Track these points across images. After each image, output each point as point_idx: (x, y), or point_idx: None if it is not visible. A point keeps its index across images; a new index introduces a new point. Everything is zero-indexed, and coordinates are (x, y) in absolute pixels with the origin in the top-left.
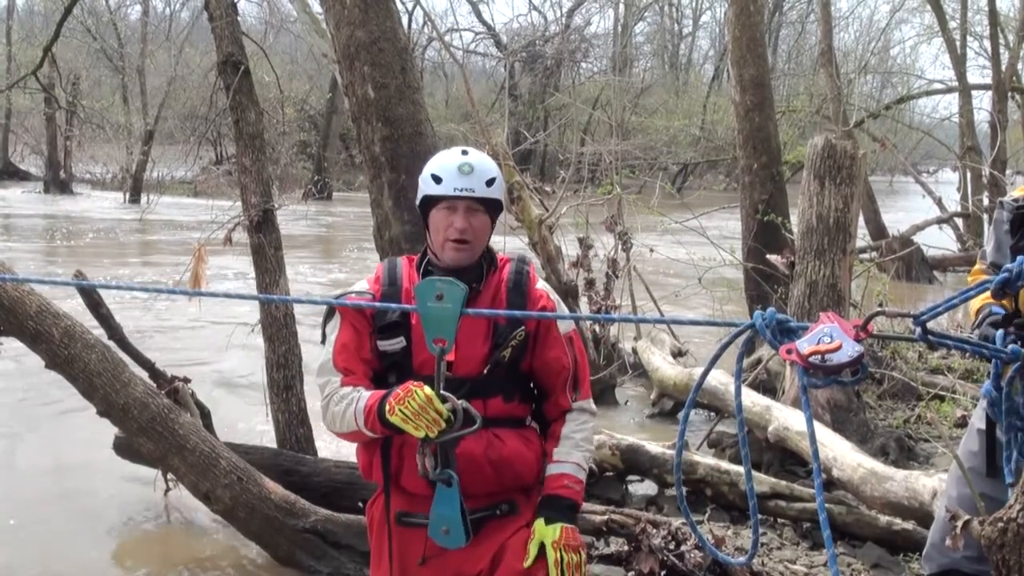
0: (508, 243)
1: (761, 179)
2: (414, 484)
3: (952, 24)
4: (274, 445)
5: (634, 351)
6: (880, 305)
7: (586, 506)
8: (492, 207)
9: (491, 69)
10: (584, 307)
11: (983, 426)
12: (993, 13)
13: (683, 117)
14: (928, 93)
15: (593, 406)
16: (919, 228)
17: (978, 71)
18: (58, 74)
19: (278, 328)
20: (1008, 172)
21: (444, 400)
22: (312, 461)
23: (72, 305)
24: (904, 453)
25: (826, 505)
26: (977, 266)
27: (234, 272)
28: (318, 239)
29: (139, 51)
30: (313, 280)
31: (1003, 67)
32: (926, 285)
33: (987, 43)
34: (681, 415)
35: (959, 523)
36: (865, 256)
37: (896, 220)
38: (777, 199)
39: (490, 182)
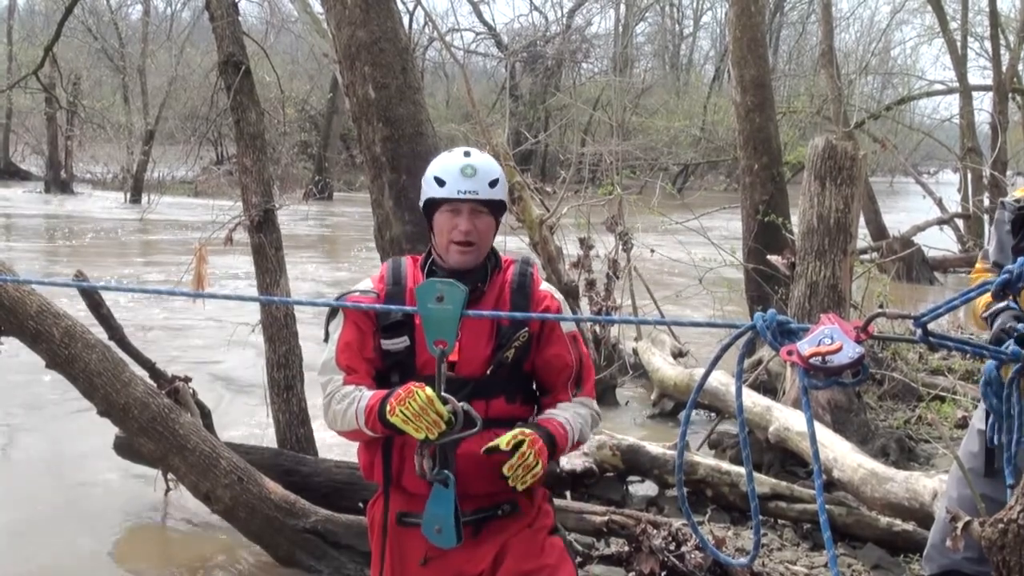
0: (509, 243)
1: (762, 180)
2: (415, 484)
3: (953, 25)
4: (274, 445)
5: (635, 352)
6: (881, 306)
7: (586, 507)
8: (496, 208)
9: (492, 69)
10: (585, 308)
11: (983, 427)
12: (994, 14)
13: (684, 118)
14: (929, 94)
15: (595, 405)
16: (920, 229)
17: (979, 72)
18: (59, 74)
19: (279, 328)
20: (1009, 173)
21: (445, 402)
22: (312, 461)
23: (72, 305)
24: (904, 454)
25: (827, 506)
26: (979, 265)
27: (244, 272)
28: (324, 239)
29: (140, 51)
30: (320, 279)
31: (1004, 68)
32: (927, 286)
33: (988, 44)
34: (682, 416)
35: (959, 524)
36: (866, 257)
37: (897, 221)
38: (778, 200)
39: (493, 183)
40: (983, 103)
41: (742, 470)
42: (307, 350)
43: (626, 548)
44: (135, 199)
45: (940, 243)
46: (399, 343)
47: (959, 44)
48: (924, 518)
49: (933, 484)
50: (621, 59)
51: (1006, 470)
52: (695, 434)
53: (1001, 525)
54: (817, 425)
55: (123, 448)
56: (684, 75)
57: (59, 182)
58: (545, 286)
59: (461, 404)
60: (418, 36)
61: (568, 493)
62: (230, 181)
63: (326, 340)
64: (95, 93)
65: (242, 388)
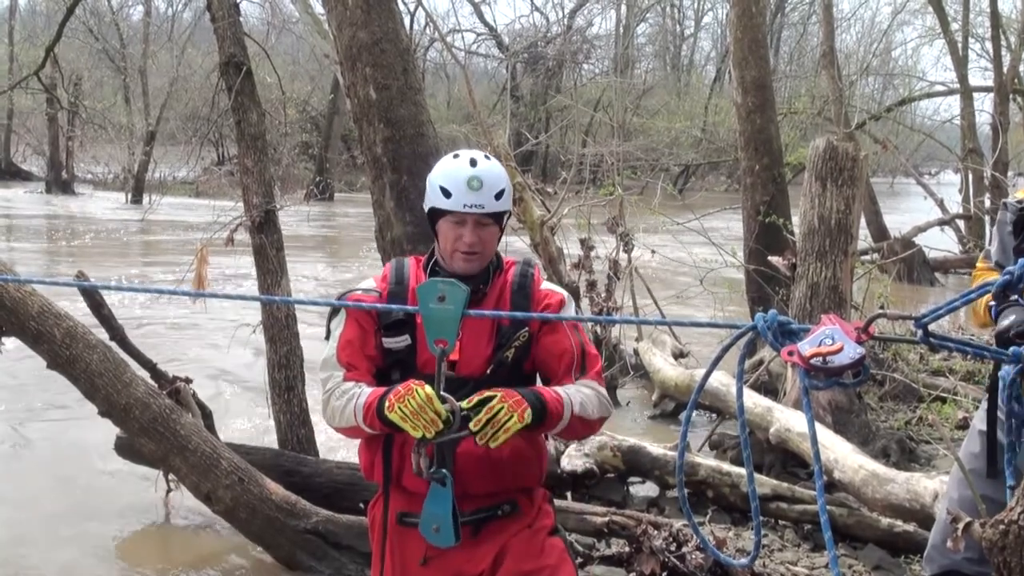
0: (509, 244)
1: (763, 181)
2: (416, 484)
3: (954, 26)
4: (275, 446)
5: (635, 352)
6: (881, 307)
7: (587, 507)
8: (501, 217)
9: (493, 70)
10: (586, 308)
11: (984, 428)
12: (995, 15)
13: (685, 118)
14: (930, 95)
15: (602, 389)
16: (921, 230)
17: (980, 73)
18: (60, 74)
19: (280, 329)
20: (1010, 174)
21: (443, 401)
22: (313, 462)
23: (73, 306)
24: (905, 455)
25: (828, 507)
26: (981, 264)
27: (245, 272)
28: (329, 240)
29: (141, 51)
30: (325, 280)
31: (1005, 69)
32: (927, 287)
33: (989, 45)
34: (683, 416)
35: (960, 525)
36: (867, 258)
37: (898, 222)
38: (779, 201)
39: (499, 195)
40: (984, 104)
41: (743, 471)
42: (308, 351)
43: (627, 549)
44: (136, 200)
45: (941, 244)
46: (400, 341)
47: (960, 45)
48: (925, 519)
49: (934, 485)
50: (622, 60)
51: (1007, 471)
52: (696, 435)
53: (1002, 526)
54: (818, 426)
55: (124, 449)
56: (685, 76)
57: (60, 183)
58: (546, 285)
59: (459, 404)
60: (419, 37)
61: (569, 494)
62: (231, 182)
63: (327, 337)
64: (96, 94)
65: (243, 389)
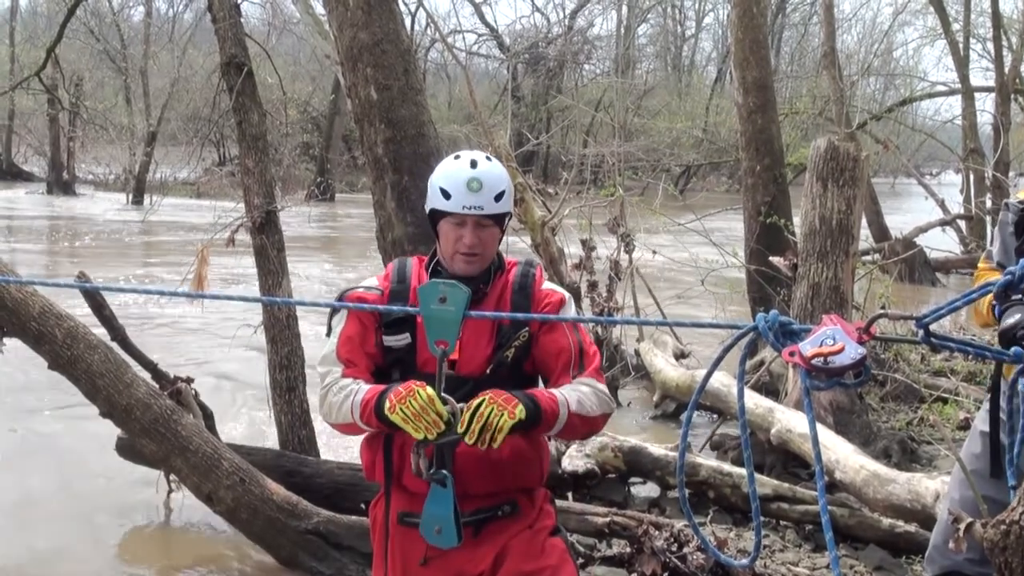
0: (511, 244)
1: (764, 181)
2: (417, 484)
3: (955, 26)
4: (276, 446)
5: (636, 353)
6: (883, 307)
7: (588, 508)
8: (501, 218)
9: (494, 71)
10: (587, 309)
11: (986, 428)
12: (996, 15)
13: (686, 119)
14: (931, 95)
15: (601, 386)
16: (922, 230)
17: (981, 73)
18: (61, 75)
19: (281, 329)
20: (1011, 174)
21: (444, 402)
22: (315, 462)
23: (74, 306)
24: (907, 455)
25: (829, 507)
26: (982, 265)
27: (246, 273)
28: (331, 240)
29: (142, 52)
30: (328, 281)
31: (1006, 69)
32: (929, 287)
33: (990, 45)
34: (684, 417)
35: (962, 525)
36: (868, 258)
37: (899, 222)
38: (780, 201)
39: (499, 196)
40: (985, 104)
41: (744, 471)
42: (309, 351)
43: (628, 549)
44: (137, 200)
45: (942, 244)
46: (401, 340)
47: (961, 45)
48: (926, 520)
49: (935, 486)
50: (623, 60)
51: (1008, 471)
52: (697, 436)
53: (1003, 526)
54: (819, 426)
55: (125, 449)
56: (686, 76)
57: (61, 183)
58: (547, 285)
59: (460, 405)
60: (420, 37)
61: (570, 494)
62: (232, 182)
63: (328, 334)
64: (97, 94)
65: (244, 389)
